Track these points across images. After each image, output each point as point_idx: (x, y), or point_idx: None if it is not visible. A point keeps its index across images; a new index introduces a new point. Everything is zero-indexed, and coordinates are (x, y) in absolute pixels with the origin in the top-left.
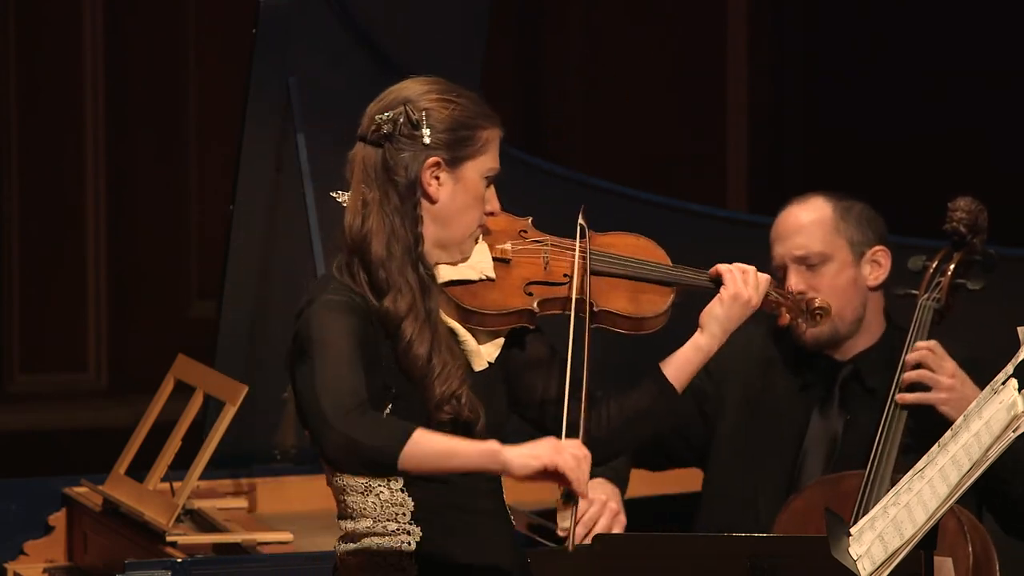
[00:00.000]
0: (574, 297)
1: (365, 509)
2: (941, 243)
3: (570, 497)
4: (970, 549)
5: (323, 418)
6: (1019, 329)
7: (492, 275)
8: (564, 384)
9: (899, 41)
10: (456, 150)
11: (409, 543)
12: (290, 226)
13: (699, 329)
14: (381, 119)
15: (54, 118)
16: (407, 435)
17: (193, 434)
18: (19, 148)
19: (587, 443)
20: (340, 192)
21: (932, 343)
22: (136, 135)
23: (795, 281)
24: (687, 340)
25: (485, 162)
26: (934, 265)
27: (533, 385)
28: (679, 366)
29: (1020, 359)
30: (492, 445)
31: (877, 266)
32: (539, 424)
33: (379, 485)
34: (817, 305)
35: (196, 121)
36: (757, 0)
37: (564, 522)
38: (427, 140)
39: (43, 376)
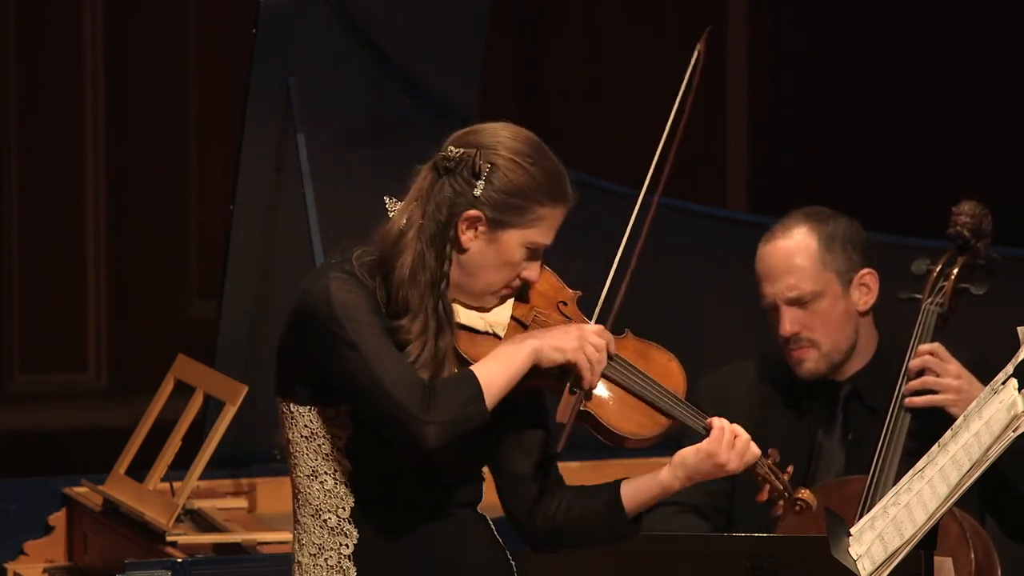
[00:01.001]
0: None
1: (310, 494)
2: (941, 243)
3: (576, 386)
4: (972, 555)
5: (410, 416)
6: (1019, 329)
7: (500, 333)
8: (530, 462)
9: (899, 41)
10: (502, 214)
11: (347, 544)
12: (290, 226)
13: (669, 465)
14: (452, 151)
15: (54, 118)
16: (478, 387)
17: (193, 434)
18: (19, 148)
19: (534, 523)
20: (393, 199)
21: (934, 346)
22: (136, 135)
23: (789, 322)
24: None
25: (530, 235)
26: (938, 269)
27: (504, 450)
28: (635, 492)
29: (1020, 359)
30: (529, 345)
31: (866, 290)
32: (494, 479)
33: (324, 472)
34: (803, 497)
35: (196, 121)
36: (757, 0)
37: (564, 414)
38: (478, 193)
39: (43, 376)
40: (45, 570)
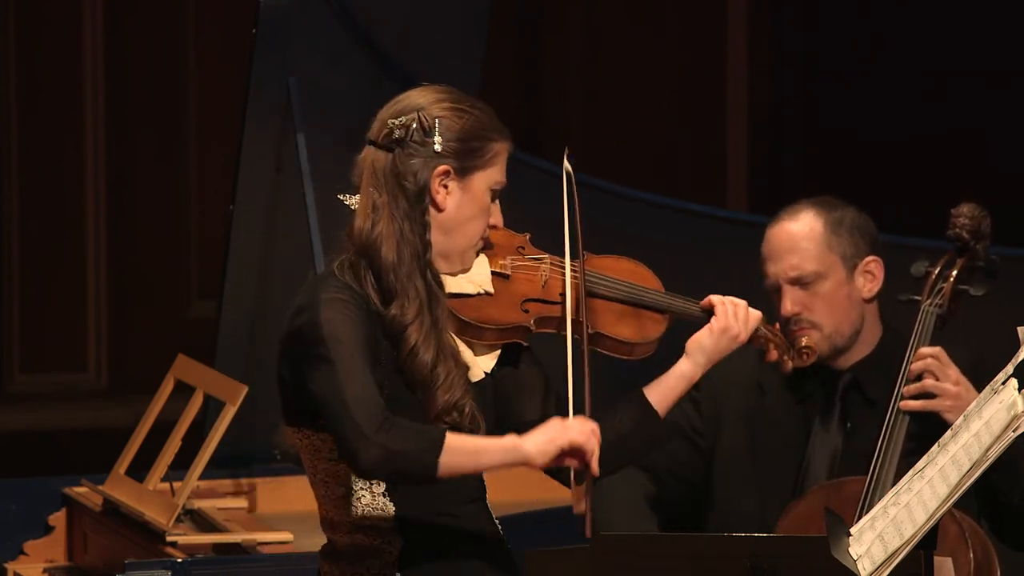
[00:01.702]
0: (569, 318)
1: (347, 512)
2: (941, 243)
3: (582, 476)
4: (971, 555)
5: (358, 431)
6: (1019, 329)
7: (491, 289)
8: (548, 408)
9: (899, 41)
10: (466, 160)
11: (391, 552)
12: (290, 226)
13: (684, 356)
14: (393, 124)
15: (54, 118)
16: (441, 441)
17: (193, 434)
18: (19, 148)
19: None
20: (347, 195)
21: (936, 350)
22: (136, 135)
23: (790, 302)
24: (673, 361)
25: (493, 174)
26: (937, 271)
27: (520, 407)
28: (662, 392)
29: (1020, 359)
30: (512, 440)
31: (871, 277)
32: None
33: (361, 489)
34: (804, 344)
35: (196, 121)
36: (757, 0)
37: (580, 505)
38: (438, 148)
39: (43, 376)
40: (45, 570)
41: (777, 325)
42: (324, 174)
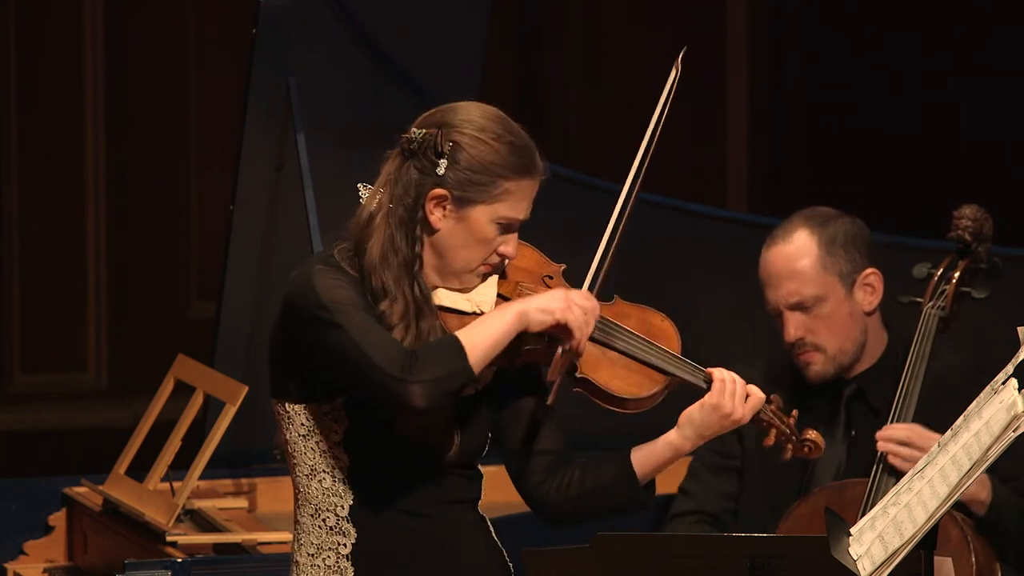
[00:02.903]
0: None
1: (309, 493)
2: (941, 244)
3: (568, 343)
4: (973, 558)
5: (393, 379)
6: (1019, 329)
7: (488, 311)
8: (539, 437)
9: (899, 41)
10: (466, 191)
11: (345, 544)
12: (290, 226)
13: (676, 426)
14: (415, 133)
15: (54, 118)
16: (460, 346)
17: (193, 434)
18: (19, 148)
19: (548, 498)
20: (365, 184)
21: (911, 431)
22: (136, 135)
23: (793, 328)
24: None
25: (498, 210)
26: (939, 273)
27: (512, 427)
28: (645, 457)
29: (1020, 359)
30: (515, 307)
31: (871, 290)
32: (504, 460)
33: (323, 471)
34: (810, 438)
35: (196, 121)
36: (757, 0)
37: (553, 373)
38: (440, 172)
39: (43, 376)
40: (45, 570)
41: (792, 418)
42: (324, 174)
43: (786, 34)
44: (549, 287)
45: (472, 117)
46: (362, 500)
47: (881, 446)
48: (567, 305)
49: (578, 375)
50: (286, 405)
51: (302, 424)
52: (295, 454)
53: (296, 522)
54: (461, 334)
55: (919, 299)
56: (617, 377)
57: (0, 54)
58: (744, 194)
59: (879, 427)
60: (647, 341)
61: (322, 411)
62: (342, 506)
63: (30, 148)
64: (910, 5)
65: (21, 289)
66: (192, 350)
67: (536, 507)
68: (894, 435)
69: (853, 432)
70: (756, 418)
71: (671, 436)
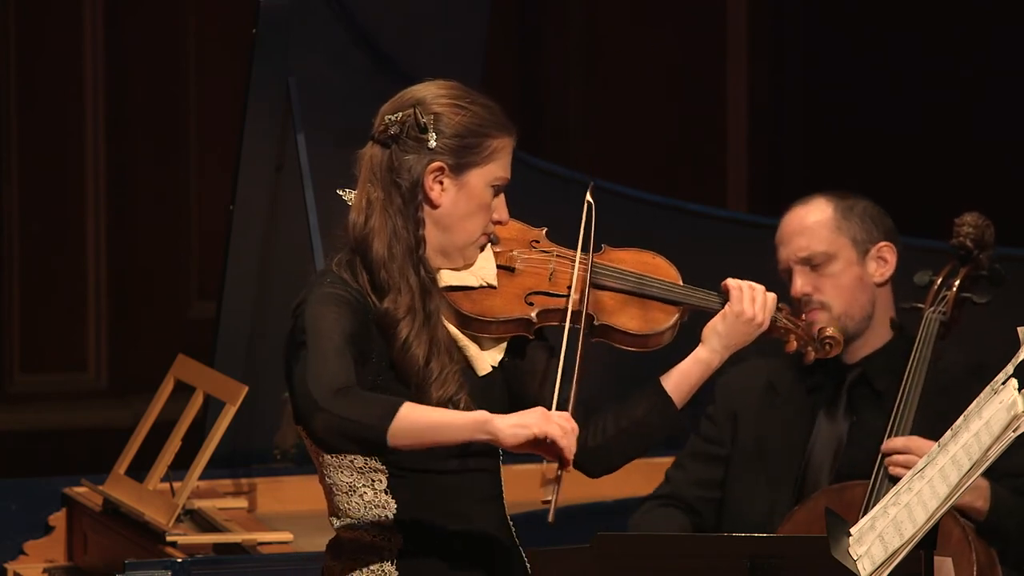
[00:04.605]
0: (569, 309)
1: (349, 510)
2: (941, 244)
3: (557, 459)
4: (974, 557)
5: (311, 400)
6: (1019, 329)
7: (493, 282)
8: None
9: (899, 41)
10: (461, 157)
11: (390, 550)
12: (290, 226)
13: (701, 343)
14: (390, 119)
15: (54, 118)
16: (395, 409)
17: (193, 434)
18: (19, 148)
19: (587, 447)
20: (346, 190)
21: (909, 441)
22: (136, 135)
23: (800, 283)
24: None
25: (492, 171)
26: (940, 279)
27: (532, 392)
28: (679, 379)
29: (1020, 359)
30: (481, 415)
31: (883, 262)
32: None
33: (363, 486)
34: (828, 334)
35: (196, 121)
36: (757, 0)
37: (547, 494)
38: (432, 144)
39: (43, 376)
40: (45, 570)
41: (803, 317)
42: (324, 174)
43: (786, 34)
44: (538, 249)
45: (438, 89)
46: (405, 506)
47: (888, 460)
48: (544, 418)
49: (596, 323)
50: None
51: None
52: (330, 475)
53: (337, 536)
54: (410, 406)
55: (920, 305)
56: (633, 317)
57: (0, 54)
58: (744, 194)
59: (880, 409)
60: (652, 277)
61: None
62: (387, 515)
63: (30, 148)
64: (910, 5)
65: (21, 289)
66: (192, 350)
67: (578, 461)
68: (892, 446)
69: (854, 415)
70: (774, 326)
71: (699, 352)
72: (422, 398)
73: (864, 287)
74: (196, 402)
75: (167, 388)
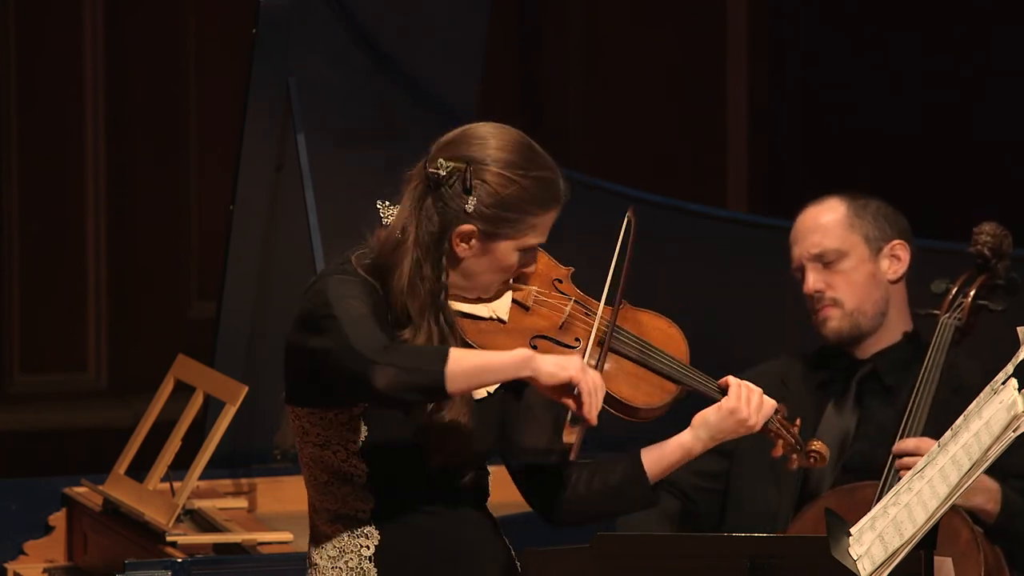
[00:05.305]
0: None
1: (328, 500)
2: (941, 244)
3: (577, 420)
4: (982, 557)
5: (363, 358)
6: (1019, 329)
7: (504, 317)
8: (547, 439)
9: (899, 41)
10: (496, 227)
11: (368, 546)
12: (290, 226)
13: (689, 428)
14: (441, 164)
15: (54, 118)
16: (446, 354)
17: (193, 434)
18: (19, 148)
19: (558, 500)
20: (387, 204)
21: (921, 443)
22: (136, 135)
23: (813, 279)
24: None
25: (524, 242)
26: (956, 287)
27: (522, 434)
28: (657, 458)
29: (1020, 359)
30: (525, 352)
31: (896, 260)
32: (509, 464)
33: (343, 478)
34: (814, 448)
35: (196, 121)
36: (757, 0)
37: (569, 437)
38: (470, 209)
39: (43, 376)
40: (45, 570)
41: (797, 426)
42: (324, 174)
43: (786, 34)
44: (559, 290)
45: (499, 152)
46: (383, 503)
47: (899, 463)
48: (582, 368)
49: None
50: (302, 415)
51: (319, 435)
52: (312, 464)
53: (313, 525)
54: (458, 350)
55: (936, 311)
56: (629, 385)
57: (0, 54)
58: (744, 194)
59: (890, 404)
60: (659, 350)
61: (340, 420)
62: (364, 510)
63: (30, 148)
64: (910, 5)
65: (21, 289)
66: (192, 350)
67: (541, 508)
68: (904, 447)
69: (862, 408)
70: (765, 428)
71: (684, 438)
72: (430, 415)
73: (877, 284)
74: (196, 402)
75: (167, 388)
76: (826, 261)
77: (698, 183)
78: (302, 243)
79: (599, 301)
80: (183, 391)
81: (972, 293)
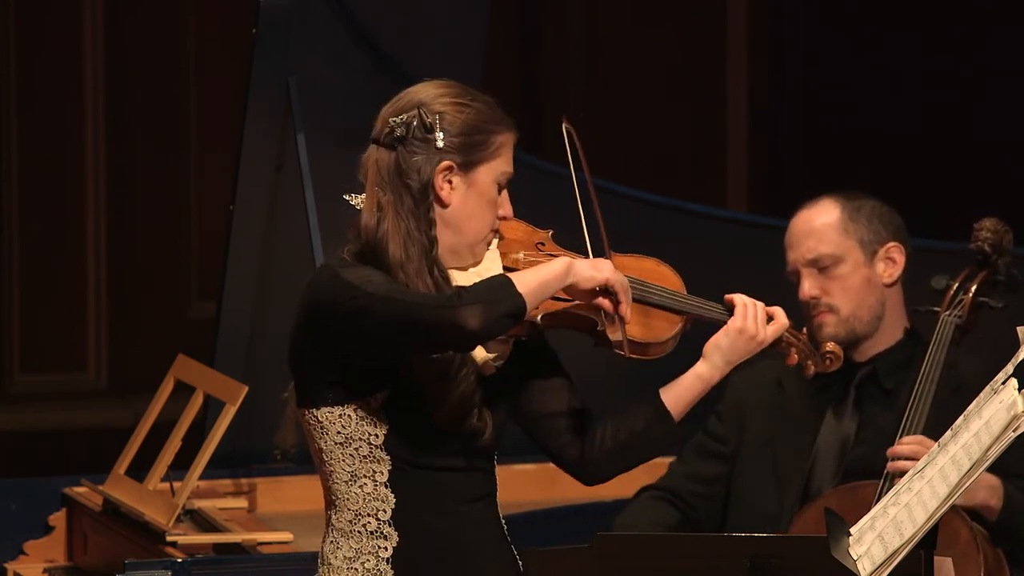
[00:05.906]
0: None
1: (349, 500)
2: (941, 244)
3: (612, 318)
4: (982, 558)
5: (442, 308)
6: (1019, 329)
7: None
8: (563, 401)
9: (899, 41)
10: (469, 154)
11: (386, 548)
12: (290, 226)
13: (702, 357)
14: (395, 122)
15: (54, 118)
16: (509, 280)
17: (193, 434)
18: (19, 148)
19: (585, 457)
20: (353, 195)
21: (921, 444)
22: (136, 135)
23: (808, 285)
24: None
25: (498, 166)
26: (957, 283)
27: (538, 401)
28: (678, 393)
29: (1020, 359)
30: (563, 259)
31: (891, 263)
32: (532, 435)
33: (364, 476)
34: (828, 349)
35: (196, 121)
36: (757, 0)
37: (615, 334)
38: (440, 144)
39: (43, 376)
40: (45, 570)
41: (804, 331)
42: (324, 174)
43: (786, 34)
44: (544, 252)
45: (439, 90)
46: (404, 503)
47: (891, 466)
48: (615, 270)
49: (599, 329)
50: (318, 414)
51: (339, 432)
52: (332, 462)
53: (330, 526)
54: (512, 274)
55: (936, 308)
56: (634, 324)
57: (0, 54)
58: (744, 194)
59: (889, 407)
60: (655, 285)
61: (360, 414)
62: (384, 510)
63: (30, 148)
64: (910, 5)
65: (21, 289)
66: (192, 350)
67: (574, 469)
68: (901, 451)
69: (862, 413)
70: (776, 341)
71: (699, 368)
72: (440, 395)
73: (873, 288)
74: (196, 402)
75: (167, 388)
76: (821, 267)
77: (698, 183)
78: (302, 243)
79: (586, 252)
80: (183, 391)
81: (973, 289)
